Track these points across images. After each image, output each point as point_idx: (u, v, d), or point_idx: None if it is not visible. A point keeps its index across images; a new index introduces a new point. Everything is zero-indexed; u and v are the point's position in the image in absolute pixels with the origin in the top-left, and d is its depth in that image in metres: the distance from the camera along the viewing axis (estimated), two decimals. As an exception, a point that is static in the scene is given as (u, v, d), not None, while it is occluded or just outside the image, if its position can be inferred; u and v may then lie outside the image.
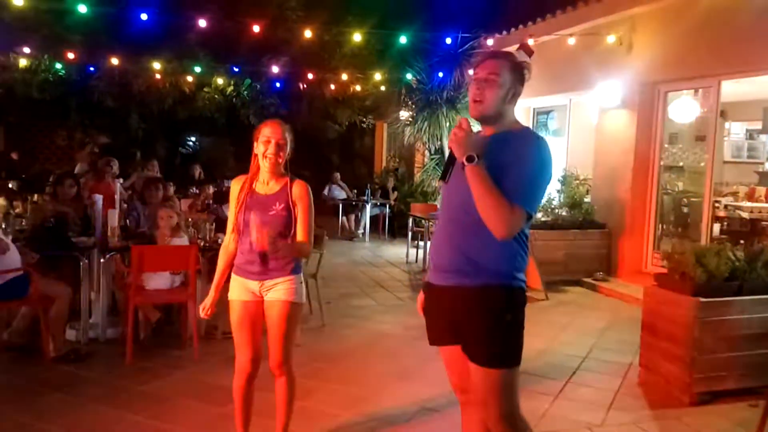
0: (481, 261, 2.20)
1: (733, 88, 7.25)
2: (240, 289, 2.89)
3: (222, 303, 5.12)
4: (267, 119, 2.95)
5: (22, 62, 9.84)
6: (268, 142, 2.78)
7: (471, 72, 2.33)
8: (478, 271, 2.20)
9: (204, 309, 2.96)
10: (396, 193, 12.17)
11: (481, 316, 2.20)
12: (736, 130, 10.30)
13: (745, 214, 8.38)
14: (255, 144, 2.83)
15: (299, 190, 2.85)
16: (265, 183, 2.86)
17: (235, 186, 2.91)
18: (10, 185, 9.71)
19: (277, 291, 2.85)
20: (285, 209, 2.82)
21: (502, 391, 2.21)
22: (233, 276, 2.93)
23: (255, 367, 2.92)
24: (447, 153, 2.21)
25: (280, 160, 2.81)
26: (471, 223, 2.16)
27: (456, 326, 2.28)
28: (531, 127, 10.28)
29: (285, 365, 2.91)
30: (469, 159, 2.09)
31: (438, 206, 2.61)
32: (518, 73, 2.25)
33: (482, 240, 2.16)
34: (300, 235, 2.85)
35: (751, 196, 9.05)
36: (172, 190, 7.35)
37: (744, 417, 3.73)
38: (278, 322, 2.85)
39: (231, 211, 2.92)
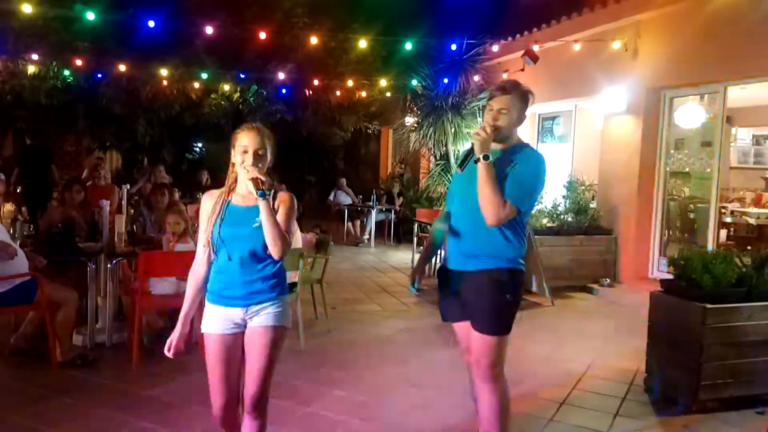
0: (490, 248, 2.72)
1: (739, 94, 7.24)
2: (218, 320, 2.51)
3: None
4: (244, 124, 2.60)
5: (31, 69, 9.91)
6: (245, 152, 2.45)
7: (488, 100, 2.81)
8: (488, 256, 2.72)
9: (170, 347, 2.56)
10: (401, 198, 12.19)
11: (487, 294, 2.72)
12: (742, 136, 10.28)
13: (752, 220, 8.35)
14: (232, 152, 2.50)
15: (282, 196, 2.53)
16: (244, 195, 2.51)
17: (208, 200, 2.56)
18: (18, 190, 9.77)
19: (264, 316, 2.50)
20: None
21: (492, 353, 2.75)
22: (207, 305, 2.56)
23: (232, 414, 2.56)
24: (468, 146, 2.73)
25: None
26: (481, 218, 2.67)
27: (465, 304, 2.80)
28: (536, 132, 10.30)
29: (261, 405, 2.53)
30: (486, 157, 2.63)
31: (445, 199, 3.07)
32: (525, 101, 2.79)
33: (491, 230, 2.69)
34: None
35: (758, 202, 9.03)
36: (177, 195, 7.40)
37: (751, 424, 3.71)
38: (262, 350, 2.48)
39: (201, 227, 2.54)
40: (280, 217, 2.47)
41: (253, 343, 2.50)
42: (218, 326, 2.52)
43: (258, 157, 2.45)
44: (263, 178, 2.40)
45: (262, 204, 2.38)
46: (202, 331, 2.55)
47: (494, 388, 2.77)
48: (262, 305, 2.50)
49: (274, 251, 2.42)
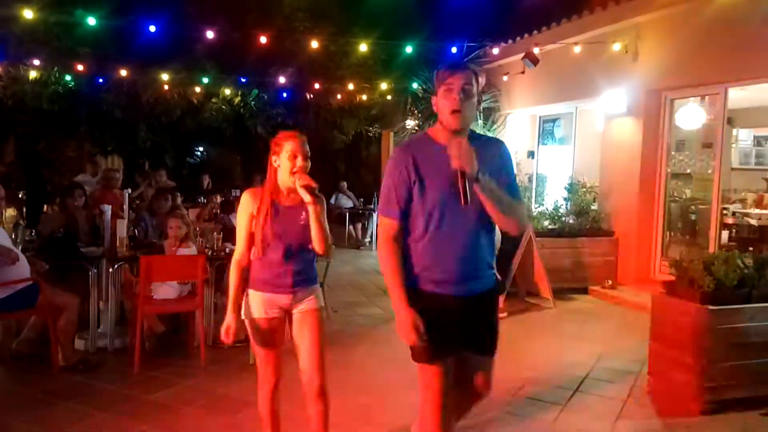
0: (489, 265, 2.47)
1: (740, 95, 7.23)
2: (266, 306, 2.78)
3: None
4: (283, 129, 2.91)
5: (32, 74, 9.94)
6: (294, 156, 2.71)
7: (443, 81, 2.30)
8: (490, 272, 2.47)
9: (228, 332, 2.77)
10: (402, 202, 12.16)
11: (492, 311, 2.53)
12: (743, 137, 10.27)
13: (753, 222, 8.33)
14: (274, 157, 2.75)
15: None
16: (288, 194, 2.79)
17: (249, 198, 2.78)
18: (20, 195, 9.80)
19: (309, 301, 2.83)
20: (309, 218, 2.75)
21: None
22: (253, 292, 2.79)
23: (279, 376, 2.87)
24: (459, 174, 2.19)
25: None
26: (482, 230, 2.38)
27: (463, 331, 2.43)
28: (537, 134, 10.31)
29: (325, 386, 2.84)
30: (483, 172, 2.22)
31: (423, 217, 2.36)
32: (479, 83, 2.34)
33: (489, 244, 2.44)
34: None
35: (759, 203, 9.00)
36: (180, 199, 7.40)
37: (755, 426, 3.70)
38: (315, 332, 2.81)
39: (242, 223, 2.78)
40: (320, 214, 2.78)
41: (304, 324, 2.81)
42: (266, 311, 2.77)
43: (306, 160, 2.73)
44: (314, 185, 2.68)
45: (312, 208, 2.69)
46: (254, 316, 2.77)
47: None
48: (306, 291, 2.83)
49: (320, 248, 2.75)
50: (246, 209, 2.77)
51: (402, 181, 2.34)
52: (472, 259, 2.37)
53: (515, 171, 2.47)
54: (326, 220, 2.80)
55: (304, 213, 2.75)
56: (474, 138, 2.39)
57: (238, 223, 2.83)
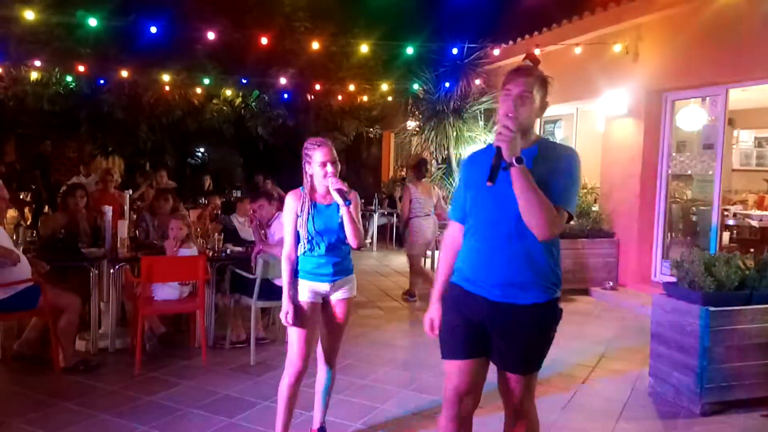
0: (536, 276, 2.31)
1: (740, 96, 7.24)
2: (309, 291, 3.11)
3: (228, 313, 5.13)
4: (317, 137, 3.15)
5: (33, 75, 9.95)
6: (323, 164, 3.01)
7: (504, 85, 2.32)
8: (532, 286, 2.31)
9: (287, 317, 3.04)
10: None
11: (538, 333, 2.41)
12: (744, 138, 10.27)
13: (754, 223, 8.34)
14: (306, 166, 3.07)
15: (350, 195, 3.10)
16: (323, 195, 3.11)
17: (293, 199, 3.10)
18: (21, 196, 9.82)
19: (344, 289, 3.18)
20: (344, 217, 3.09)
21: (532, 389, 2.48)
22: (299, 281, 3.10)
23: (306, 364, 3.10)
24: (495, 151, 2.15)
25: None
26: (522, 236, 2.25)
27: (489, 339, 2.39)
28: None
29: (335, 357, 3.29)
30: (519, 160, 2.13)
31: (463, 212, 2.48)
32: (545, 87, 2.35)
33: (535, 254, 2.29)
34: None
35: (760, 205, 9.01)
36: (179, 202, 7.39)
37: (756, 427, 3.70)
38: (343, 318, 3.20)
39: (288, 222, 3.09)
40: (353, 212, 3.06)
41: (337, 310, 3.18)
42: (309, 296, 3.10)
43: (335, 166, 3.03)
44: (346, 188, 2.98)
45: (345, 210, 3.00)
46: (299, 299, 3.06)
47: (527, 422, 2.51)
48: (343, 280, 3.17)
49: (354, 242, 3.09)
50: (291, 210, 3.10)
51: (460, 186, 2.54)
52: (503, 264, 2.29)
53: (575, 181, 2.30)
54: (360, 214, 3.12)
55: (338, 210, 3.08)
56: (543, 144, 2.37)
57: (285, 222, 3.13)
